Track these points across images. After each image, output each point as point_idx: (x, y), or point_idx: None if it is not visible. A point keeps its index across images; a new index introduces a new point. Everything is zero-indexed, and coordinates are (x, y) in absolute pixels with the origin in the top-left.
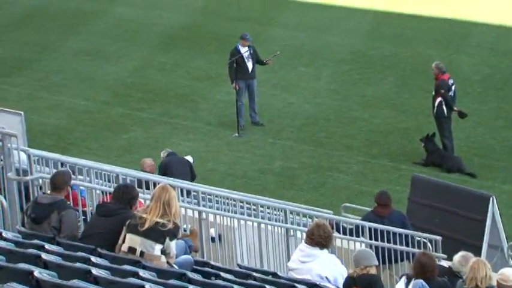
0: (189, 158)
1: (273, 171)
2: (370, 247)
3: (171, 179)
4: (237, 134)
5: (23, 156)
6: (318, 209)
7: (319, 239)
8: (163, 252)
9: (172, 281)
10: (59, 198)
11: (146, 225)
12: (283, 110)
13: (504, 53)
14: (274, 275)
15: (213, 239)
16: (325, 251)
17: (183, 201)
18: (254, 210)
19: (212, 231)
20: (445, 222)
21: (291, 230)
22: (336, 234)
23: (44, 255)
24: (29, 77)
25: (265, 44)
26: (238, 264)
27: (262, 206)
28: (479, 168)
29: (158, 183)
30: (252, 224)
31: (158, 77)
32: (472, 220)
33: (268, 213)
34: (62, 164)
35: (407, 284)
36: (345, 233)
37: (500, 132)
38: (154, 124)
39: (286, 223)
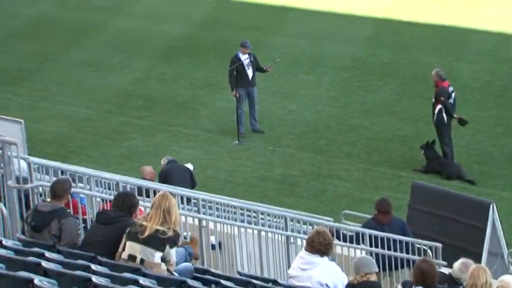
0: (190, 166)
1: (273, 179)
2: (371, 254)
3: (171, 186)
4: (237, 142)
5: (23, 164)
6: (318, 216)
7: (319, 246)
8: (163, 259)
9: None
10: (59, 206)
11: (146, 233)
12: (283, 117)
13: (504, 60)
14: (275, 282)
15: (213, 247)
16: (325, 258)
17: (183, 208)
18: (254, 217)
19: (212, 238)
20: (445, 229)
21: (291, 238)
22: (336, 241)
23: (44, 263)
24: (31, 88)
25: (265, 52)
26: (238, 272)
27: (262, 214)
28: (479, 176)
29: (158, 191)
30: (252, 231)
31: (159, 87)
32: (472, 227)
33: (269, 220)
34: (62, 172)
35: None
36: (345, 240)
37: (499, 139)
38: (154, 132)
39: (287, 230)
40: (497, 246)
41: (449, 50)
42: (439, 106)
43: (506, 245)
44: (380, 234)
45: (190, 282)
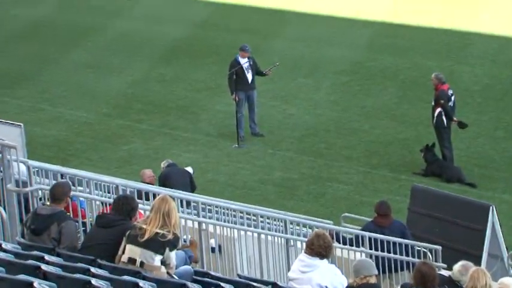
0: (189, 169)
1: (273, 182)
2: (370, 257)
3: (171, 189)
4: (236, 145)
5: (23, 167)
6: (318, 219)
7: (319, 249)
8: (163, 262)
9: None
10: (59, 209)
11: (146, 236)
12: (283, 121)
13: (504, 63)
14: (274, 285)
15: (213, 250)
16: (325, 261)
17: (182, 212)
18: (254, 220)
19: (212, 241)
20: (445, 232)
21: (291, 240)
22: (335, 244)
23: (43, 267)
24: (31, 90)
25: (265, 55)
26: (238, 275)
27: (262, 217)
28: (479, 179)
29: (158, 194)
30: (252, 234)
31: (158, 89)
32: (472, 230)
33: (268, 223)
34: (62, 176)
35: None
36: (345, 243)
37: (500, 142)
38: (154, 135)
39: (286, 233)
40: (497, 248)
41: (449, 53)
42: (438, 109)
43: (506, 248)
44: (380, 236)
45: (190, 285)
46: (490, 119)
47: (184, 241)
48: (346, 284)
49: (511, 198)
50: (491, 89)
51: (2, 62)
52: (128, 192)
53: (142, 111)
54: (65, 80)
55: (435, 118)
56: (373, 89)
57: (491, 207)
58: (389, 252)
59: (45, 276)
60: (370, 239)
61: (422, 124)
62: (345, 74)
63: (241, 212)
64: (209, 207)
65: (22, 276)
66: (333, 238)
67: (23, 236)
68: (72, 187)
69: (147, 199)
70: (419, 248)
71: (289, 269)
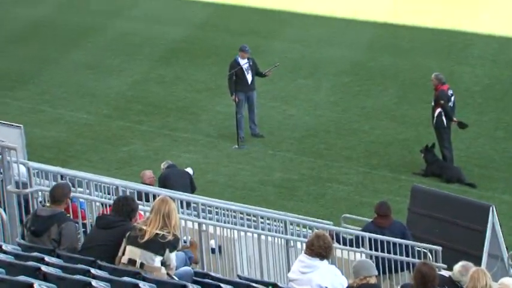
0: (189, 170)
1: (273, 183)
2: (371, 257)
3: (171, 191)
4: (236, 146)
5: (23, 169)
6: (318, 220)
7: (319, 249)
8: (163, 263)
9: None
10: (59, 210)
11: (146, 237)
12: (283, 121)
13: (505, 63)
14: (274, 285)
15: (213, 251)
16: (325, 261)
17: (182, 213)
18: (254, 221)
19: (212, 242)
20: (445, 233)
21: (291, 241)
22: (336, 244)
23: (43, 268)
24: (31, 91)
25: (265, 56)
26: (238, 275)
27: (262, 217)
28: (479, 179)
29: (158, 196)
30: (252, 235)
31: (158, 90)
32: (472, 230)
33: (268, 224)
34: (62, 177)
35: None
36: (345, 244)
37: (500, 143)
38: (154, 136)
39: (286, 234)
40: (497, 249)
41: (449, 54)
42: (438, 109)
43: (506, 248)
44: (380, 237)
45: (190, 286)
46: (490, 120)
47: (185, 242)
48: (346, 285)
49: (511, 198)
50: (491, 89)
51: (2, 63)
52: (128, 193)
53: (142, 112)
54: (64, 81)
55: (435, 118)
56: (373, 90)
57: (491, 208)
58: (389, 252)
59: (45, 277)
60: (370, 239)
61: (422, 124)
62: (345, 75)
63: (241, 213)
64: (209, 208)
65: (22, 278)
66: (333, 239)
67: (23, 238)
68: (72, 188)
69: (147, 200)
70: (419, 249)
71: (289, 270)
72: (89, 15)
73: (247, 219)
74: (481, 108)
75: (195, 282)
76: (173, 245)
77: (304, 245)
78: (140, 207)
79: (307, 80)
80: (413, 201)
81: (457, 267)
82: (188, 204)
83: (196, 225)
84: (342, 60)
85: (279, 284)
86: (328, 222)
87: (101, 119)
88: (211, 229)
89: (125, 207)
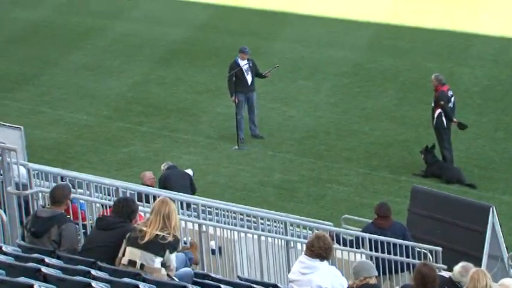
0: (190, 171)
1: (273, 184)
2: (371, 258)
3: (171, 192)
4: (236, 147)
5: (23, 170)
6: (318, 220)
7: (319, 250)
8: (163, 265)
9: None
10: (59, 212)
11: (146, 238)
12: (283, 123)
13: (505, 64)
14: (275, 286)
15: (213, 252)
16: (325, 262)
17: (183, 214)
18: (254, 222)
19: (212, 243)
20: (445, 233)
21: (291, 242)
22: (336, 245)
23: (44, 269)
24: (31, 92)
25: (264, 57)
26: (238, 276)
27: (262, 218)
28: (479, 180)
29: (158, 197)
30: (252, 236)
31: (158, 91)
32: (472, 231)
33: (268, 225)
34: (62, 178)
35: None
36: (345, 245)
37: (500, 143)
38: (154, 138)
39: (286, 235)
40: (497, 249)
41: (449, 54)
42: (438, 110)
43: (506, 249)
44: (380, 238)
45: (190, 287)
46: (490, 120)
47: (185, 243)
48: (346, 286)
49: (511, 199)
50: (491, 90)
51: (2, 64)
52: (128, 195)
53: (142, 113)
54: (65, 82)
55: (435, 119)
56: (373, 91)
57: (491, 208)
58: (389, 253)
59: (46, 278)
60: (370, 240)
61: (422, 125)
62: (345, 76)
63: (242, 214)
64: (209, 209)
65: (22, 279)
66: (333, 240)
67: (23, 239)
68: (72, 189)
69: (147, 201)
70: (419, 249)
71: (289, 271)
72: (89, 16)
73: (248, 220)
74: (481, 109)
75: (195, 283)
76: (173, 246)
77: (304, 246)
78: (140, 208)
79: (307, 81)
80: (414, 202)
81: (457, 268)
82: (188, 205)
83: (196, 226)
84: (341, 61)
85: (279, 285)
86: (328, 223)
87: (101, 120)
88: (211, 230)
89: (125, 208)
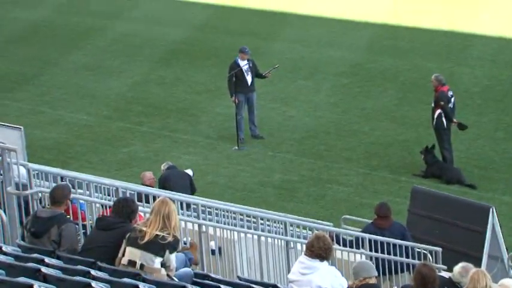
0: (189, 172)
1: (273, 184)
2: (371, 259)
3: (171, 192)
4: (236, 147)
5: (23, 170)
6: (318, 221)
7: (319, 251)
8: (163, 265)
9: None
10: (59, 212)
11: (146, 239)
12: (283, 123)
13: (504, 64)
14: (274, 287)
15: (213, 252)
16: (325, 263)
17: (182, 214)
18: (254, 222)
19: (212, 244)
20: (445, 234)
21: (291, 242)
22: (335, 246)
23: (43, 269)
24: (31, 92)
25: (264, 58)
26: (238, 277)
27: (262, 219)
28: (479, 180)
29: (158, 197)
30: (252, 236)
31: (158, 91)
32: (472, 231)
33: (268, 225)
34: (62, 178)
35: None
36: (345, 245)
37: (500, 143)
38: (154, 138)
39: (286, 235)
40: (497, 250)
41: (449, 55)
42: (438, 111)
43: (506, 249)
44: (380, 238)
45: (190, 287)
46: (489, 121)
47: (185, 243)
48: (346, 286)
49: (511, 199)
50: (491, 90)
51: (2, 64)
52: (128, 195)
53: (142, 113)
54: (64, 82)
55: (435, 120)
56: (373, 91)
57: (491, 209)
58: (389, 254)
59: (45, 278)
60: (370, 240)
61: (422, 126)
62: (345, 76)
63: (241, 214)
64: (209, 210)
65: (22, 279)
66: (333, 240)
67: (23, 239)
68: (72, 190)
69: (147, 201)
70: (419, 250)
71: (289, 271)
72: (89, 16)
73: (247, 221)
74: (481, 109)
75: (195, 283)
76: (173, 246)
77: (304, 246)
78: (140, 208)
79: (307, 81)
80: (413, 203)
81: (457, 268)
82: (188, 205)
83: (196, 227)
84: (341, 61)
85: (279, 285)
86: (328, 223)
87: (101, 120)
88: (211, 230)
89: (124, 208)
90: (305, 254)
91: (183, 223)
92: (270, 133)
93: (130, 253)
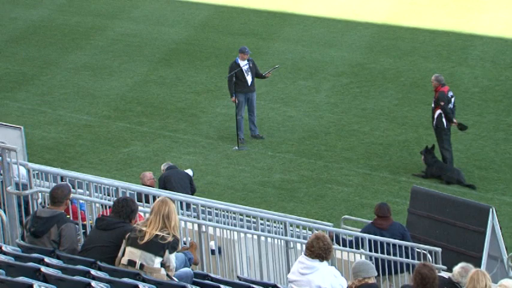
0: (189, 172)
1: (273, 184)
2: (370, 259)
3: (171, 192)
4: (236, 147)
5: (23, 170)
6: (318, 221)
7: (318, 251)
8: (163, 265)
9: None
10: (59, 212)
11: (146, 238)
12: (283, 123)
13: (505, 65)
14: (274, 287)
15: (213, 252)
16: (324, 263)
17: (182, 214)
18: (254, 222)
19: (212, 243)
20: (445, 234)
21: (291, 242)
22: (335, 246)
23: (43, 269)
24: (31, 92)
25: (265, 58)
26: (238, 277)
27: (262, 219)
28: (479, 180)
29: (158, 197)
30: (252, 236)
31: (158, 91)
32: (471, 231)
33: (268, 225)
34: (62, 178)
35: None
36: (344, 245)
37: (500, 144)
38: (154, 138)
39: (286, 235)
40: (496, 250)
41: (449, 55)
42: (438, 111)
43: (506, 249)
44: (379, 238)
45: (190, 287)
46: (489, 121)
47: (184, 243)
48: (345, 286)
49: (510, 199)
50: (491, 90)
51: (2, 64)
52: (128, 195)
53: (142, 113)
54: (65, 82)
55: (435, 120)
56: (373, 91)
57: (491, 209)
58: (389, 254)
59: (45, 278)
60: (370, 241)
61: (422, 126)
62: (345, 76)
63: (241, 214)
64: (209, 210)
65: (22, 279)
66: (332, 240)
67: (23, 239)
68: (72, 189)
69: (147, 201)
70: (419, 250)
71: (289, 271)
72: (89, 16)
73: (247, 221)
74: (481, 109)
75: (194, 283)
76: (173, 246)
77: (304, 246)
78: (140, 208)
79: (307, 82)
80: (413, 203)
81: (457, 268)
82: (188, 205)
83: (196, 227)
84: (341, 61)
85: (278, 285)
86: (328, 223)
87: (101, 120)
88: (211, 230)
89: (124, 208)
90: (305, 254)
91: (183, 223)
92: (270, 133)
93: (130, 253)
